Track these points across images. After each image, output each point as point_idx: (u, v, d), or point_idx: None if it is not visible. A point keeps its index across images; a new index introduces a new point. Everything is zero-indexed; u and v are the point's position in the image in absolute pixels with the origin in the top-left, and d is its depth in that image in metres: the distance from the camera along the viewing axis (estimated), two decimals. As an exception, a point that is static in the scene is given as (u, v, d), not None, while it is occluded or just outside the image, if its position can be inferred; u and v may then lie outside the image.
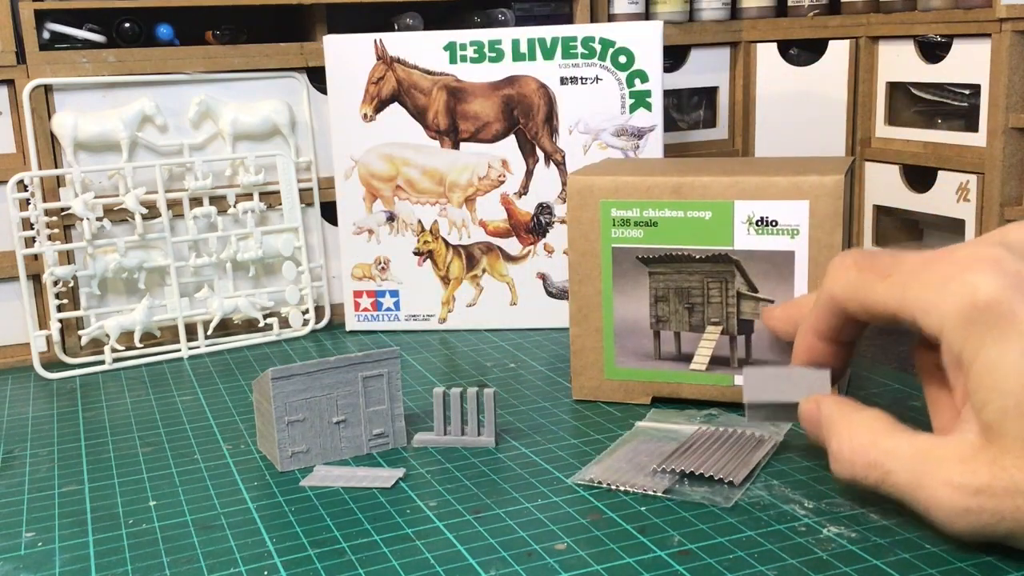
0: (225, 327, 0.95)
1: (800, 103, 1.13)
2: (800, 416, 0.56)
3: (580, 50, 0.90)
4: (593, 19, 1.05)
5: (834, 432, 0.52)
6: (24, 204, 0.87)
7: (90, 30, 0.92)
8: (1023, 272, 0.45)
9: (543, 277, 0.95)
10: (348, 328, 0.97)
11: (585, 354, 0.73)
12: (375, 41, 0.92)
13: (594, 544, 0.52)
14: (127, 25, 0.93)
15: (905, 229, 1.14)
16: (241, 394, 0.79)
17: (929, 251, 0.50)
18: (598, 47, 0.90)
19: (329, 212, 0.98)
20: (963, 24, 0.98)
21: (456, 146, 0.93)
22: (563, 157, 0.92)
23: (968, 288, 0.45)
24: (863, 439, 0.50)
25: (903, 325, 0.50)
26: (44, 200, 0.88)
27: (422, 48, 0.91)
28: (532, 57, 0.91)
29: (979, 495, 0.45)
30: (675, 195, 0.69)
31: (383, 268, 0.96)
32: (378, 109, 0.93)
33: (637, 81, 0.90)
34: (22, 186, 0.87)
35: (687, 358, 0.71)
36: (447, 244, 0.95)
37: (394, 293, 0.96)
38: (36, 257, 0.88)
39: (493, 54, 0.91)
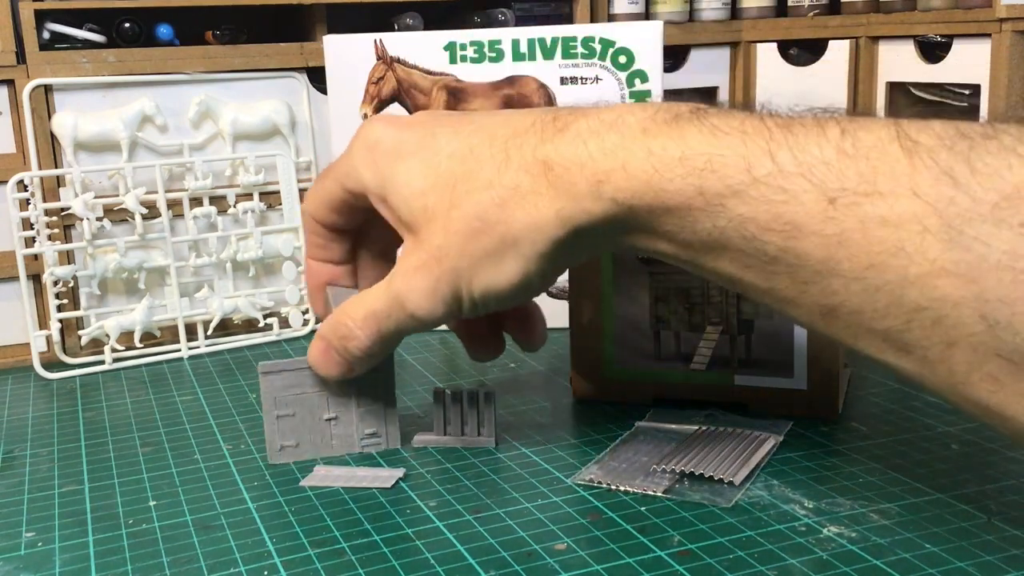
0: (225, 327, 0.95)
1: (800, 103, 1.13)
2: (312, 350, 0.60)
3: (580, 50, 0.90)
4: (593, 19, 1.05)
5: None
6: (24, 204, 0.87)
7: (90, 30, 0.92)
8: (402, 119, 0.54)
9: (543, 277, 0.95)
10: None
11: (585, 354, 0.73)
12: (375, 41, 0.92)
13: (594, 544, 0.52)
14: (127, 25, 0.93)
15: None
16: (241, 394, 0.79)
17: None
18: (598, 47, 0.90)
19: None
20: (963, 24, 0.98)
21: (456, 146, 0.92)
22: (563, 157, 0.92)
23: (361, 137, 0.53)
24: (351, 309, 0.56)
25: (358, 205, 0.55)
26: (44, 200, 0.88)
27: (422, 48, 0.91)
28: (532, 57, 0.91)
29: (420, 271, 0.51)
30: (675, 195, 0.69)
31: (383, 268, 0.96)
32: (378, 109, 0.93)
33: (637, 81, 0.90)
34: (22, 186, 0.87)
35: (687, 358, 0.71)
36: (447, 244, 0.95)
37: (394, 293, 0.96)
38: (36, 257, 0.88)
39: (493, 54, 0.91)
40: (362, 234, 0.60)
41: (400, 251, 0.53)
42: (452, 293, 0.50)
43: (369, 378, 0.64)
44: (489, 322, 0.62)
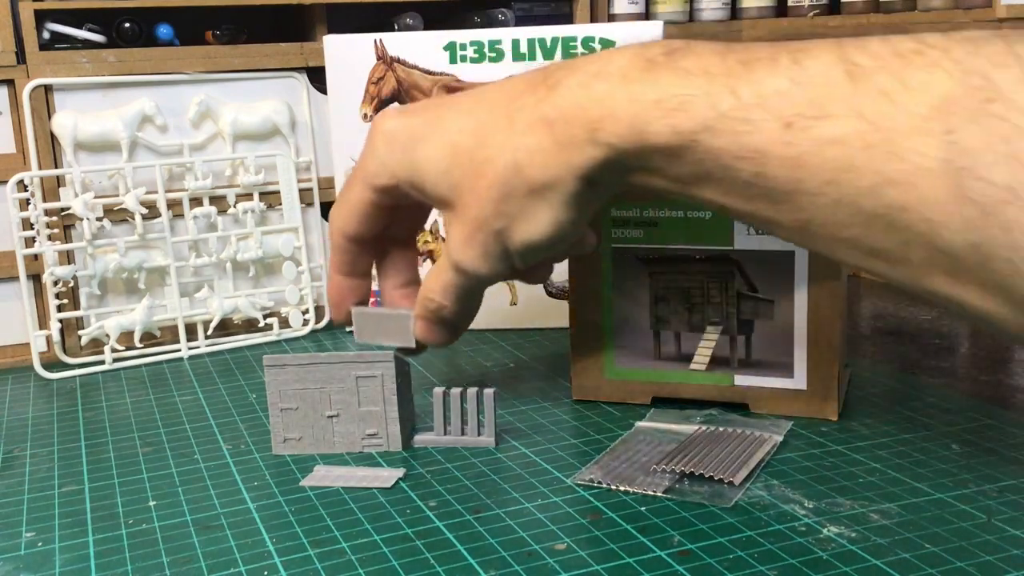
0: (225, 327, 0.95)
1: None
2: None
3: (580, 50, 0.90)
4: (593, 19, 1.05)
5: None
6: (24, 204, 0.87)
7: (90, 30, 0.92)
8: (407, 108, 0.58)
9: (543, 277, 0.95)
10: (348, 328, 0.97)
11: (585, 354, 0.73)
12: (375, 41, 0.92)
13: (594, 544, 0.52)
14: (127, 25, 0.93)
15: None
16: (241, 394, 0.79)
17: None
18: (598, 47, 0.90)
19: (329, 212, 0.98)
20: (963, 24, 0.98)
21: (456, 146, 0.92)
22: (563, 157, 0.92)
23: (378, 133, 0.57)
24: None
25: (389, 203, 0.59)
26: (44, 200, 0.88)
27: (422, 48, 0.91)
28: (532, 57, 0.90)
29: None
30: (675, 195, 0.69)
31: (383, 268, 0.95)
32: (378, 109, 0.93)
33: (637, 81, 0.90)
34: (22, 186, 0.87)
35: (687, 358, 0.71)
36: (447, 244, 0.95)
37: (394, 293, 0.96)
38: (36, 257, 0.88)
39: (493, 54, 0.91)
40: (381, 238, 0.64)
41: (442, 227, 0.55)
42: (501, 252, 0.54)
43: (369, 379, 0.65)
44: None
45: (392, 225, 0.63)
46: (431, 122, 0.55)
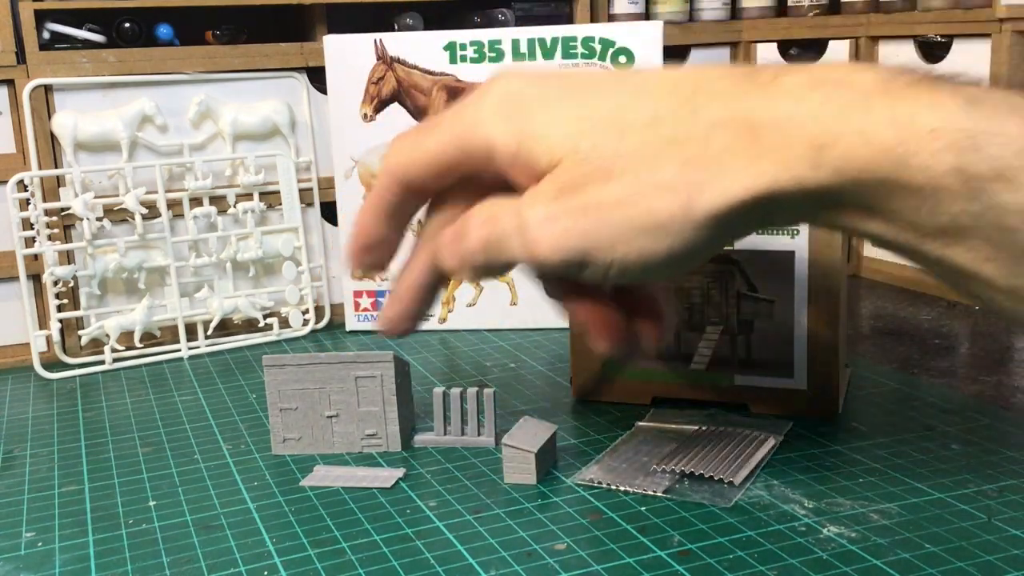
0: (225, 327, 0.95)
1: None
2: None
3: (580, 50, 0.90)
4: (593, 19, 1.05)
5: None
6: (24, 204, 0.87)
7: (90, 30, 0.92)
8: (542, 74, 0.47)
9: (543, 277, 0.95)
10: (348, 328, 0.97)
11: (585, 354, 0.73)
12: (375, 41, 0.92)
13: (594, 544, 0.52)
14: (127, 25, 0.93)
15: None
16: (241, 394, 0.79)
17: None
18: (598, 47, 0.90)
19: (329, 212, 0.98)
20: (963, 24, 0.98)
21: (456, 146, 0.92)
22: (563, 157, 0.92)
23: (494, 91, 0.47)
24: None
25: (469, 167, 0.46)
26: (44, 200, 0.88)
27: (422, 48, 0.91)
28: (532, 57, 0.90)
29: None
30: (675, 195, 0.69)
31: (383, 268, 0.95)
32: (378, 109, 0.93)
33: (637, 81, 0.90)
34: (22, 186, 0.87)
35: (687, 358, 0.71)
36: (447, 244, 0.94)
37: (394, 293, 0.96)
38: (36, 257, 0.88)
39: (493, 54, 0.91)
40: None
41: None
42: (583, 250, 0.42)
43: (369, 379, 0.65)
44: (614, 303, 0.51)
45: (457, 185, 0.49)
46: (574, 89, 0.44)
